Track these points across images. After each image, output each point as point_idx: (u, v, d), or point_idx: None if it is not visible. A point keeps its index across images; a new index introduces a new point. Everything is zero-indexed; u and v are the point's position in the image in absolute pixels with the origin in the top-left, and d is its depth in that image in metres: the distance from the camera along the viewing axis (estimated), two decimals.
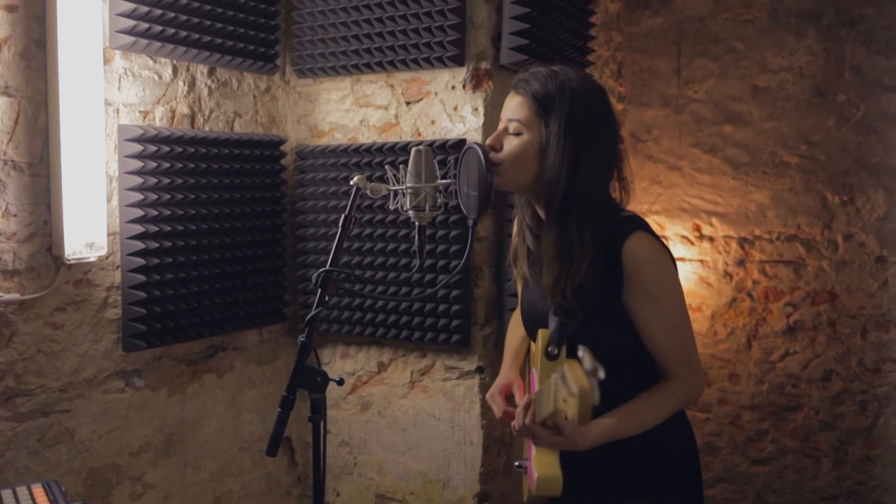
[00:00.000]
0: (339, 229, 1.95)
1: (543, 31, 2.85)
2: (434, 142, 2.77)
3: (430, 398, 2.93)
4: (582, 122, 1.77)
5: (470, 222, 2.01)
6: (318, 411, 1.97)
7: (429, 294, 2.82)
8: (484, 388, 2.84)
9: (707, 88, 3.69)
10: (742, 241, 3.66)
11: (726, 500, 3.76)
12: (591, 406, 1.32)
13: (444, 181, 2.01)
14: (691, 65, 3.71)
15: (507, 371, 2.07)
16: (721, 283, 3.74)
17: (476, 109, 2.78)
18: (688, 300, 3.73)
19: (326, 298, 1.93)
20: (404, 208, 2.03)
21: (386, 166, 2.09)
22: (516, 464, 2.04)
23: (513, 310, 2.84)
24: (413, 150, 2.01)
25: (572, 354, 1.71)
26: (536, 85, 1.78)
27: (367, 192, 2.02)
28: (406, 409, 2.99)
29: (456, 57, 2.74)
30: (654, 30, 3.77)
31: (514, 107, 1.81)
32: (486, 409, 2.85)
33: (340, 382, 2.01)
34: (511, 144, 1.79)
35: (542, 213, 1.88)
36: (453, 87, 2.82)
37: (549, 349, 1.74)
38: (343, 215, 1.94)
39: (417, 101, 2.90)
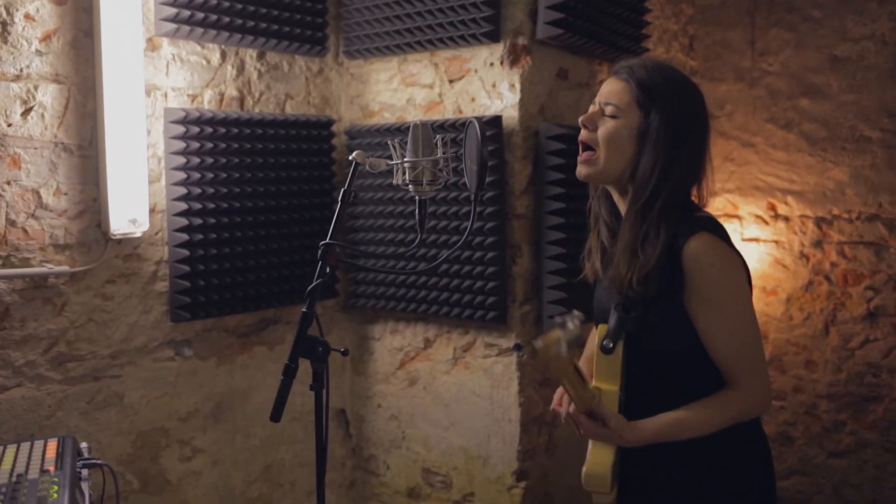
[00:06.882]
0: (339, 203, 2.00)
1: (584, 4, 2.79)
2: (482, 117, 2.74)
3: (471, 374, 2.95)
4: (683, 120, 1.76)
5: (472, 196, 2.03)
6: (320, 381, 2.04)
7: (432, 269, 2.87)
8: (522, 367, 2.83)
9: (782, 60, 3.49)
10: (819, 221, 3.46)
11: (801, 493, 3.58)
12: (557, 350, 1.39)
13: (441, 155, 2.03)
14: (766, 35, 3.53)
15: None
16: (797, 266, 3.54)
17: (513, 86, 2.76)
18: (762, 283, 3.58)
19: (327, 270, 2.00)
20: (404, 183, 2.06)
21: (388, 141, 2.13)
22: None
23: (552, 287, 2.83)
24: (411, 125, 2.03)
25: (632, 350, 1.72)
26: (642, 73, 1.76)
27: (367, 167, 2.06)
28: (449, 385, 3.02)
29: (491, 33, 2.72)
30: (726, 0, 3.61)
31: (613, 90, 1.78)
32: (523, 387, 2.83)
33: (345, 353, 2.08)
34: (606, 126, 1.77)
35: (621, 206, 1.84)
36: (491, 64, 2.80)
37: (605, 343, 1.73)
38: (342, 189, 2.00)
39: (459, 79, 2.90)
